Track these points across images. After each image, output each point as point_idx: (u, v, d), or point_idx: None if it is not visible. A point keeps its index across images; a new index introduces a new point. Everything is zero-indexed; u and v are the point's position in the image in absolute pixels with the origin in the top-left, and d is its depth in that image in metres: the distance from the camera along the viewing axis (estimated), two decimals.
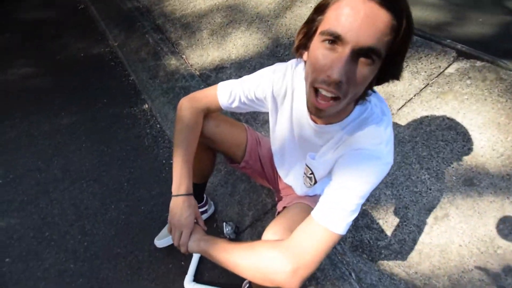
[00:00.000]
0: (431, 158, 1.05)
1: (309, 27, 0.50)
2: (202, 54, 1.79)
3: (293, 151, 0.82)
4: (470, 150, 1.00)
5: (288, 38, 1.55)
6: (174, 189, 0.75)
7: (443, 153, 1.03)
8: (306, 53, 0.54)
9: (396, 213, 0.98)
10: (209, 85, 1.23)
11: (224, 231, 1.08)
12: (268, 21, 1.66)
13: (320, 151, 0.71)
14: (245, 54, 1.63)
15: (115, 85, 1.85)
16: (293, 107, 0.73)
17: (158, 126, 1.62)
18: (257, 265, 0.56)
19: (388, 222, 0.97)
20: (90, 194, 1.31)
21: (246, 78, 0.80)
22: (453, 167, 1.00)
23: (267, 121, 1.41)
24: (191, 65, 1.78)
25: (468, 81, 1.07)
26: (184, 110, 0.83)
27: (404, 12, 0.41)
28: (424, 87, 1.15)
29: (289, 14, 1.61)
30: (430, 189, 0.98)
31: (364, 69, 0.44)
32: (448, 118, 1.06)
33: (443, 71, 1.14)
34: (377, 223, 0.97)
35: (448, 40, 1.19)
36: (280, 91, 0.73)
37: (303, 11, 1.56)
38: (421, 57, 1.20)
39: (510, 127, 0.96)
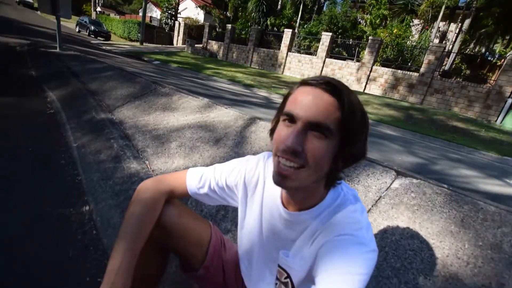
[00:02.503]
0: (406, 270, 0.98)
1: (277, 115, 0.60)
2: (167, 161, 1.80)
3: (262, 251, 0.73)
4: (438, 259, 0.98)
5: (252, 154, 1.70)
6: None
7: (415, 263, 0.99)
8: None
9: None
10: None
11: None
12: (235, 139, 1.87)
13: (293, 247, 0.65)
14: (211, 164, 1.68)
15: (56, 183, 1.62)
16: (264, 197, 0.72)
17: (94, 232, 1.33)
18: None
19: None
20: None
21: (218, 165, 0.80)
22: (430, 280, 0.94)
23: (231, 228, 1.28)
24: (152, 170, 1.73)
25: (413, 194, 1.22)
26: (145, 190, 0.74)
27: (344, 96, 0.50)
28: (379, 199, 1.25)
29: (253, 135, 1.85)
30: None
31: (315, 141, 0.50)
32: (408, 227, 1.10)
33: (390, 185, 1.29)
34: None
35: (386, 163, 1.44)
36: (252, 179, 0.74)
37: (265, 135, 1.82)
38: (368, 174, 1.38)
39: (462, 234, 1.02)
